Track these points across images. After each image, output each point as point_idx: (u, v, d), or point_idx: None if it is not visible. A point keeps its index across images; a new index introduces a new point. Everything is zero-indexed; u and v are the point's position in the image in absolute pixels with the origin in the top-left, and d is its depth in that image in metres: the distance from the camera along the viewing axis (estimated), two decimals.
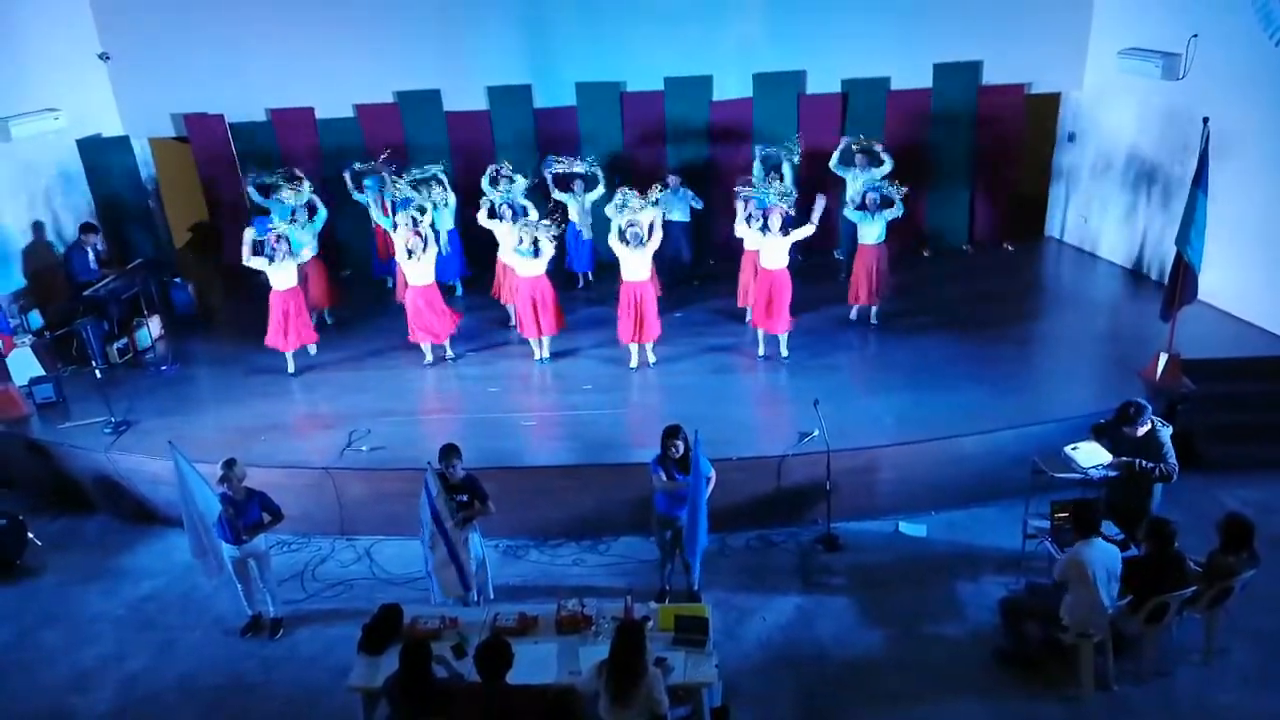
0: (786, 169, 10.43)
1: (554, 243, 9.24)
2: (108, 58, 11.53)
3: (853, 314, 10.20)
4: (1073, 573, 5.71)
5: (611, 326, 9.39)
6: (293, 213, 9.87)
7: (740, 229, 9.34)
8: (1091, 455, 6.61)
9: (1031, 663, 6.11)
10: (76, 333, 9.57)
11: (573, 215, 10.89)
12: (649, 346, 9.34)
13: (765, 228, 8.99)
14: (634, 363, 9.35)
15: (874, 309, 10.09)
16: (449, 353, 9.71)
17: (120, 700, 6.35)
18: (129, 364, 9.89)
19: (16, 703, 6.38)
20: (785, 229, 8.96)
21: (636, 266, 9.00)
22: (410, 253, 9.13)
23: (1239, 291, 9.54)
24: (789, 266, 9.15)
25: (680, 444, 6.45)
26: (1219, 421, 8.32)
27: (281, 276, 9.19)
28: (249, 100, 11.63)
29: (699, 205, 11.00)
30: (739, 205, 9.60)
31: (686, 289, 11.22)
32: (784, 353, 9.33)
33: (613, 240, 9.02)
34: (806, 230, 9.03)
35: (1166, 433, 6.46)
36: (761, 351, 9.43)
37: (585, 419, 8.51)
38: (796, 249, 9.41)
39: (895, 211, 9.69)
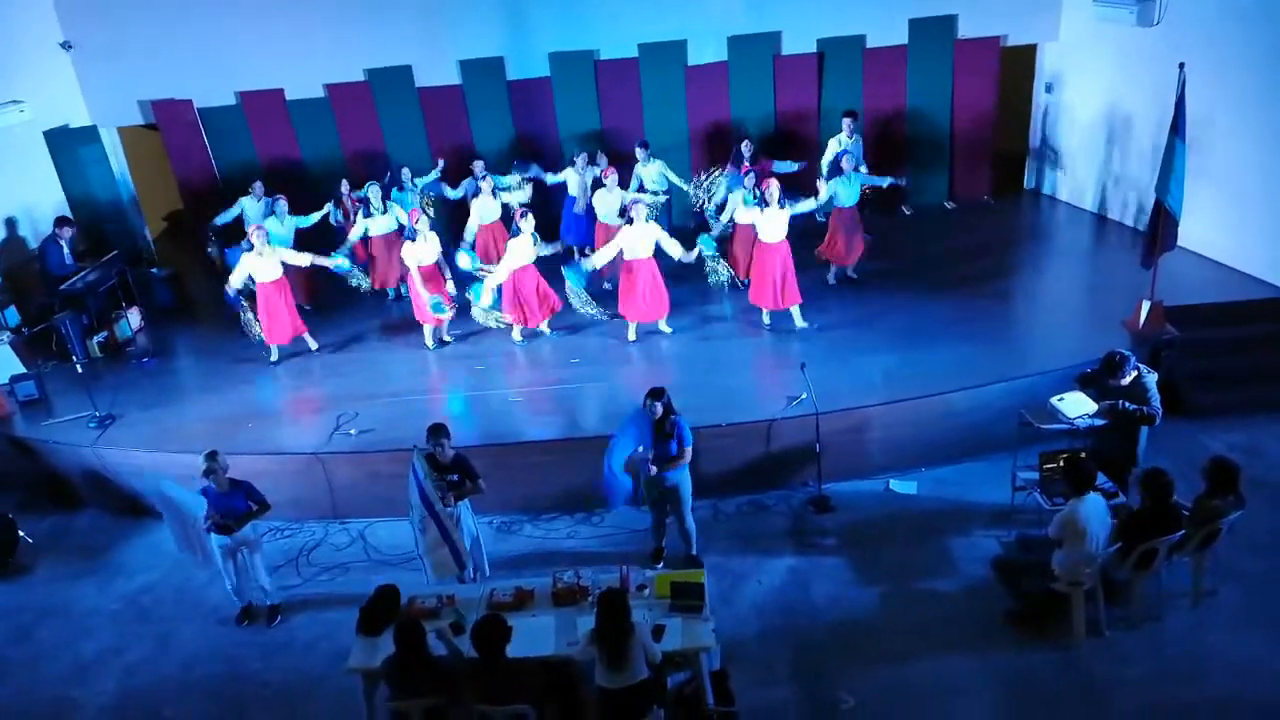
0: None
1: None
2: (70, 46, 11.30)
3: (831, 276, 10.18)
4: (1069, 530, 5.77)
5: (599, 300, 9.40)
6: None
7: (740, 215, 9.39)
8: (1077, 405, 6.66)
9: (1040, 616, 6.16)
10: (55, 328, 9.45)
11: (573, 190, 10.70)
12: (662, 321, 9.30)
13: (764, 202, 8.89)
14: (632, 336, 9.30)
15: (850, 265, 10.11)
16: (446, 335, 9.61)
17: (121, 691, 6.36)
18: (110, 357, 9.79)
19: (19, 697, 6.40)
20: (782, 201, 8.87)
21: (627, 246, 8.92)
22: (415, 234, 9.06)
23: (1219, 237, 9.58)
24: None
25: (659, 405, 6.45)
26: (1202, 367, 8.38)
27: (264, 268, 9.00)
28: (218, 84, 11.44)
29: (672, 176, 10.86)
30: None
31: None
32: (800, 323, 9.20)
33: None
34: (809, 204, 9.19)
35: (1152, 379, 6.51)
36: (767, 322, 9.31)
37: (574, 393, 8.51)
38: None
39: (877, 180, 9.79)
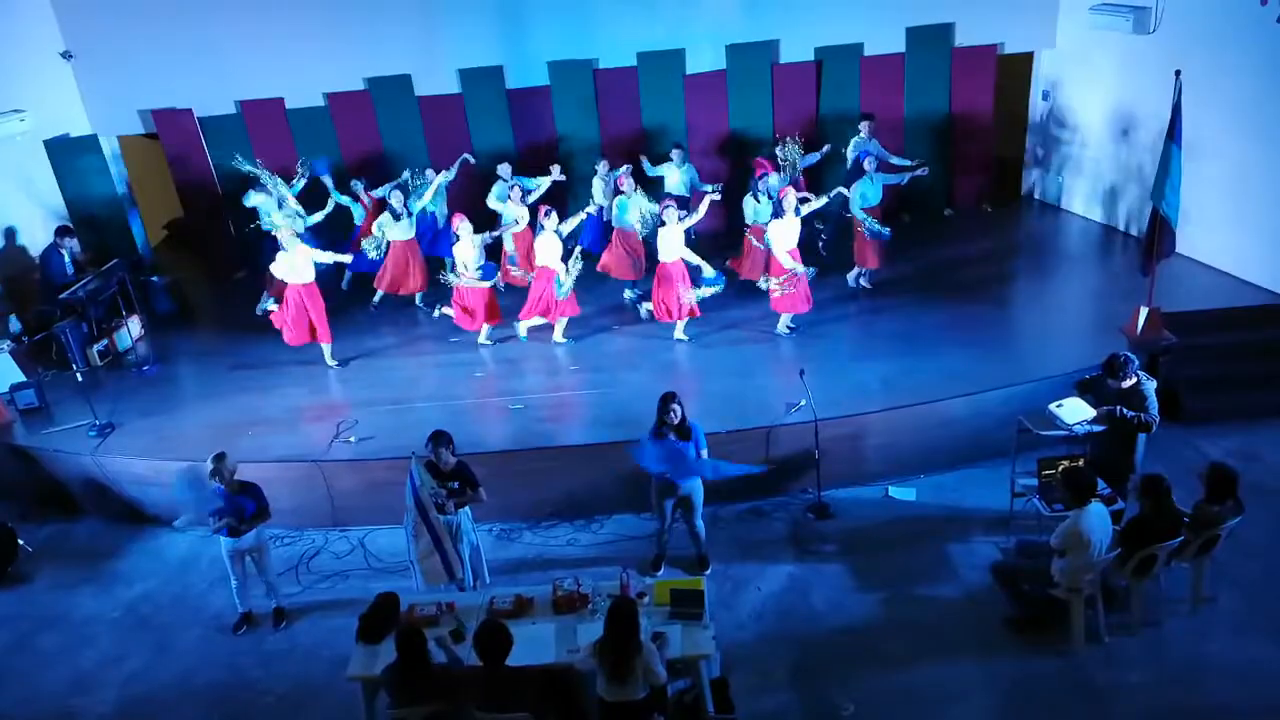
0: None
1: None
2: (70, 56, 11.33)
3: (852, 280, 10.18)
4: (1073, 541, 5.78)
5: (596, 308, 9.41)
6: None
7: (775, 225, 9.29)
8: (1075, 411, 6.68)
9: (1040, 623, 6.16)
10: (55, 336, 9.47)
11: (597, 197, 10.58)
12: (680, 323, 9.28)
13: (780, 211, 8.85)
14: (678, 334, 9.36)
15: (869, 272, 10.12)
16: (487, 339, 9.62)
17: (121, 700, 6.35)
18: (110, 365, 9.80)
19: (19, 707, 6.38)
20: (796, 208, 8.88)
21: (662, 247, 8.96)
22: (457, 238, 9.12)
23: (1216, 243, 9.61)
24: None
25: (678, 407, 6.47)
26: (1200, 372, 8.40)
27: (297, 269, 8.92)
28: (218, 93, 11.46)
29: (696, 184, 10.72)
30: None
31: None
32: (790, 325, 9.31)
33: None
34: (820, 201, 9.18)
35: (1151, 386, 6.52)
36: (787, 330, 9.29)
37: (573, 400, 8.53)
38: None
39: (898, 177, 9.87)
